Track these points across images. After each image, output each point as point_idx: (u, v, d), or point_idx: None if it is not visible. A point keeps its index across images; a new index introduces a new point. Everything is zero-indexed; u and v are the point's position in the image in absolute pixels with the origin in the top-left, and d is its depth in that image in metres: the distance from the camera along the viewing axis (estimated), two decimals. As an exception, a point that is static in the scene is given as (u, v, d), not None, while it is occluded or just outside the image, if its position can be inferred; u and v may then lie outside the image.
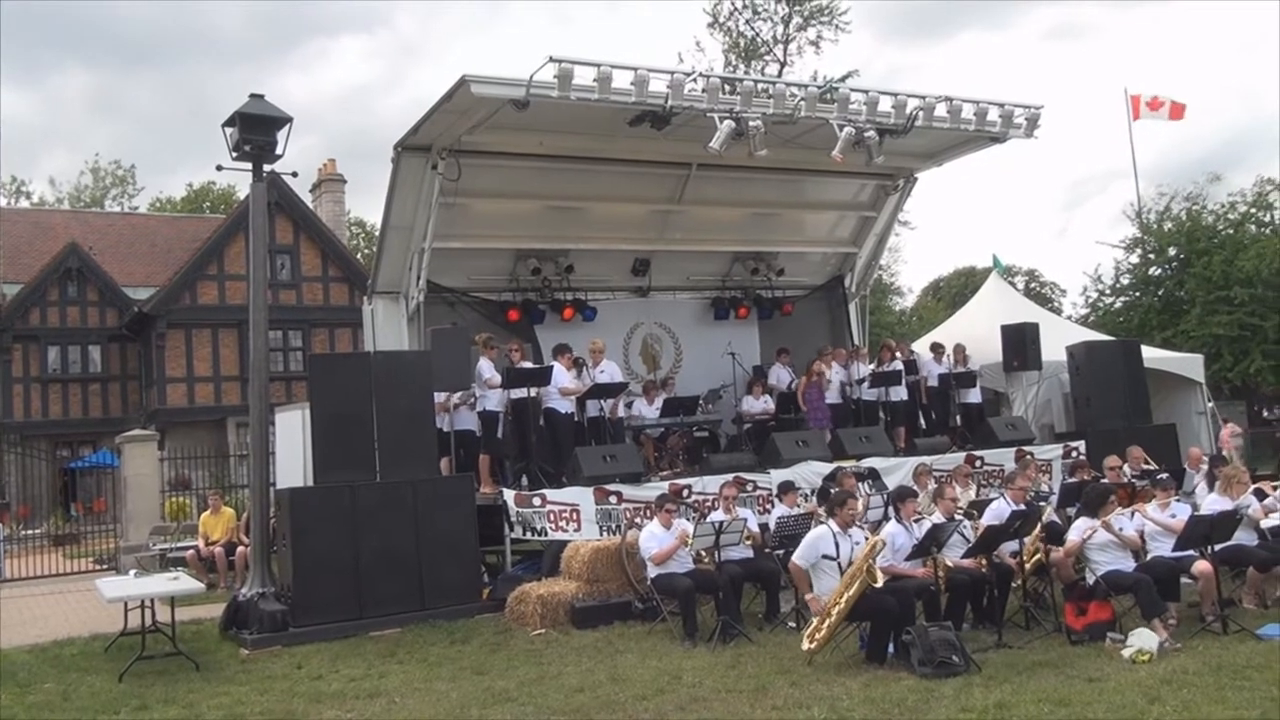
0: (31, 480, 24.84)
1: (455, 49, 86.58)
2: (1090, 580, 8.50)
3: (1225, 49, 79.56)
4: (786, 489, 10.97)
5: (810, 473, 12.38)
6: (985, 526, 8.97)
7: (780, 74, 32.47)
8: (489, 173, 13.61)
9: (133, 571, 11.05)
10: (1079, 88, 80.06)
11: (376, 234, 18.14)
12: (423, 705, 7.34)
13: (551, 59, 10.94)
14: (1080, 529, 8.66)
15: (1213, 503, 9.47)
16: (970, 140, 14.86)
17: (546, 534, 11.29)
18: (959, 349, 15.67)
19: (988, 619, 8.59)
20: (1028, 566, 9.10)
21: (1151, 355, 17.13)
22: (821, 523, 8.65)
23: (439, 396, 11.75)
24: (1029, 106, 14.00)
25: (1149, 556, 8.74)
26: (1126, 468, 12.13)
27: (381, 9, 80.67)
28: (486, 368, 12.29)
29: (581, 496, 11.47)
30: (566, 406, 12.76)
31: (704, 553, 9.41)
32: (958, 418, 15.62)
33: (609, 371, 13.54)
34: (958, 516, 9.06)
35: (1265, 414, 35.85)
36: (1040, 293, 46.94)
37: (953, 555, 8.67)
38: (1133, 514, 8.98)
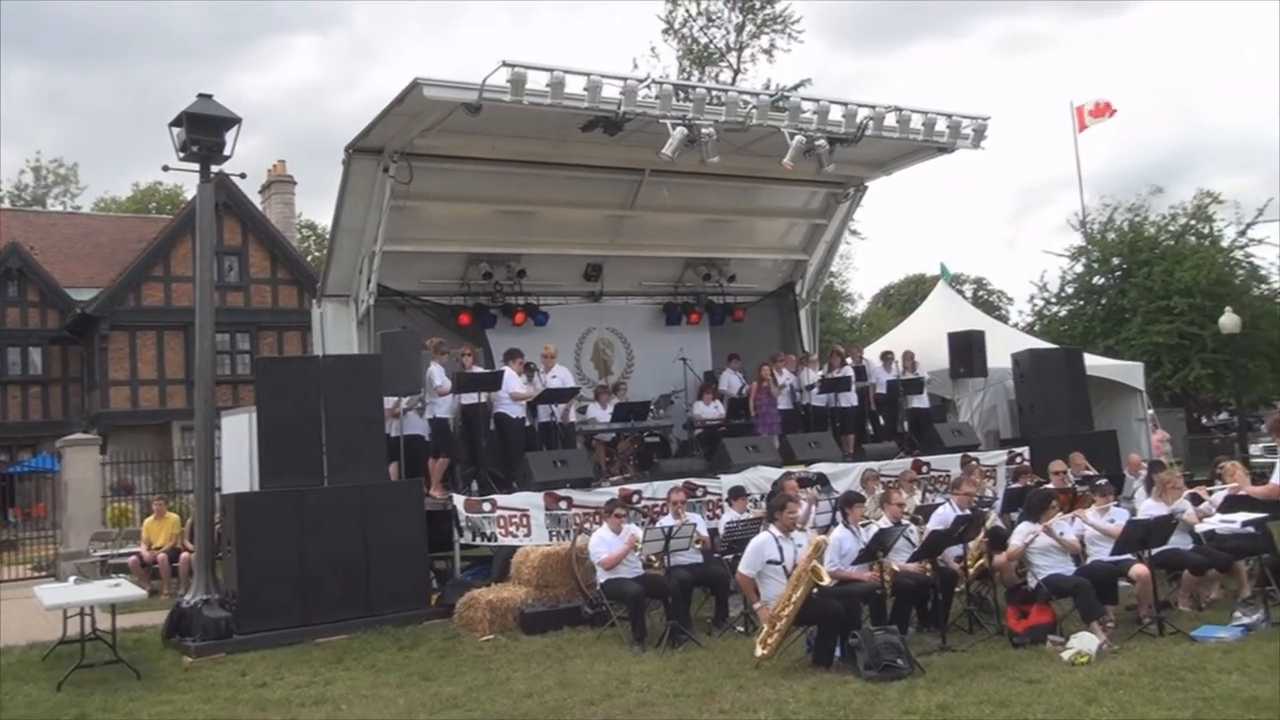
0: (-32, 485, 24.24)
1: (413, 50, 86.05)
2: (1032, 584, 8.67)
3: (1170, 64, 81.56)
4: (736, 494, 11.05)
5: (760, 478, 12.44)
6: (930, 531, 9.12)
7: (734, 81, 32.63)
8: (441, 176, 13.55)
9: (72, 578, 10.80)
10: (1028, 98, 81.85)
11: (327, 236, 17.94)
12: (369, 712, 7.29)
13: (505, 63, 10.94)
14: (1023, 533, 8.83)
15: (1149, 508, 9.70)
16: (919, 150, 15.06)
17: (496, 539, 11.23)
18: (907, 355, 15.84)
19: (932, 622, 8.71)
20: (971, 571, 9.27)
21: (1094, 363, 17.50)
22: (764, 529, 8.71)
23: (388, 402, 11.64)
24: (976, 118, 14.20)
25: (1089, 560, 8.92)
26: (1070, 473, 12.36)
27: (340, 8, 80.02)
28: (438, 373, 12.21)
29: (531, 501, 11.45)
30: (518, 411, 12.73)
31: (653, 558, 9.43)
32: (905, 423, 15.77)
33: (560, 376, 13.55)
34: (904, 521, 9.20)
35: (1204, 420, 36.77)
36: (988, 300, 47.80)
37: (899, 559, 8.78)
38: (1073, 519, 9.19)
